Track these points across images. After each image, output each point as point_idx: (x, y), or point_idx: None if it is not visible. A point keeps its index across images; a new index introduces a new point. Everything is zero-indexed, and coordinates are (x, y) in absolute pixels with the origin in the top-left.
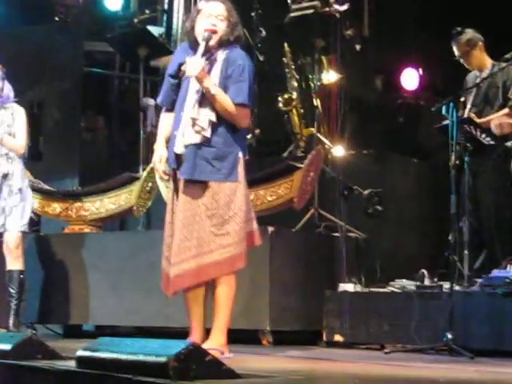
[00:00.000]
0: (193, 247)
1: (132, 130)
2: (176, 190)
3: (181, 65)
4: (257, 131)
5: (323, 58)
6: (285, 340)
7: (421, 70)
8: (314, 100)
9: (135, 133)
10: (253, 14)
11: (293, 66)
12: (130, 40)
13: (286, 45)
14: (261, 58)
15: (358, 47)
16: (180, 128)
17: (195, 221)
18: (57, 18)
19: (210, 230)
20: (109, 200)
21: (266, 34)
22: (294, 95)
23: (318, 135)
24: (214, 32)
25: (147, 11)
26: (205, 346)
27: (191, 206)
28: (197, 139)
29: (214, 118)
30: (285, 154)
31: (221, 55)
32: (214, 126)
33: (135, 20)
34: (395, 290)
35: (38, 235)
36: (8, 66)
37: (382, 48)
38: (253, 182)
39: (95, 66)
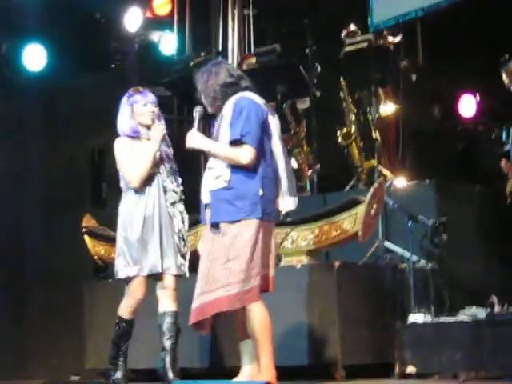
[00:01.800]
0: (204, 284)
1: (193, 172)
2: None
3: None
4: (317, 166)
5: (380, 90)
6: (357, 373)
7: (478, 96)
8: (373, 132)
9: (196, 173)
10: (307, 50)
11: (350, 100)
12: (187, 83)
13: (342, 79)
14: (317, 94)
15: (413, 77)
16: (204, 180)
17: (209, 259)
18: (113, 66)
19: (218, 269)
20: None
21: (322, 69)
22: (353, 129)
23: (379, 167)
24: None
25: (202, 54)
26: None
27: (208, 245)
28: (217, 185)
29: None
30: (347, 188)
31: (228, 105)
32: (233, 170)
33: (191, 63)
34: (465, 318)
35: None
36: (67, 115)
37: (437, 76)
38: (316, 218)
39: None
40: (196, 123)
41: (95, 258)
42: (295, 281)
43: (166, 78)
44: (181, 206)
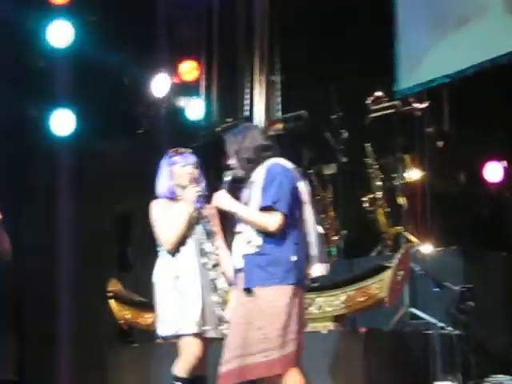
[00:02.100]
0: (239, 348)
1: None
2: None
3: None
4: (343, 232)
5: (406, 157)
6: None
7: (505, 162)
8: (399, 198)
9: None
10: (334, 116)
11: (376, 166)
12: (214, 149)
13: (368, 145)
14: (343, 160)
15: (439, 144)
16: (235, 245)
17: (242, 323)
18: (140, 131)
19: (253, 333)
20: None
21: (348, 135)
22: (379, 194)
23: (405, 233)
24: (234, 169)
25: (229, 119)
26: None
27: (240, 309)
28: (249, 250)
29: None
30: (373, 254)
31: (259, 171)
32: (264, 235)
33: (217, 129)
34: None
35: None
36: (95, 179)
37: (464, 142)
38: (343, 283)
39: None
40: (226, 185)
41: (121, 322)
42: (322, 346)
43: (193, 143)
44: (221, 270)
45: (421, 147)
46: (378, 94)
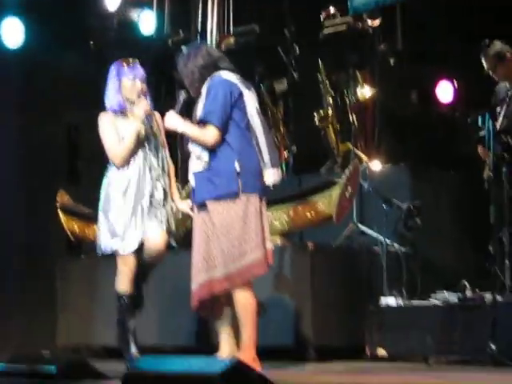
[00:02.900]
0: (200, 262)
1: (173, 149)
2: None
3: None
4: (293, 148)
5: (358, 74)
6: (328, 355)
7: (456, 83)
8: (350, 115)
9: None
10: (286, 31)
11: (327, 83)
12: (165, 62)
13: (320, 61)
14: (295, 76)
15: (391, 61)
16: (189, 165)
17: (202, 240)
18: (92, 43)
19: (212, 248)
20: None
21: (300, 51)
22: (330, 111)
23: (355, 150)
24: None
25: (181, 33)
26: None
27: (197, 225)
28: (199, 167)
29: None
30: (322, 170)
31: (205, 86)
32: (210, 150)
33: (169, 42)
34: (437, 302)
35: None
36: (44, 91)
37: (416, 61)
38: (291, 199)
39: None
40: (178, 106)
41: (68, 233)
42: None
43: (144, 56)
44: (163, 181)
45: (372, 64)
46: (332, 9)
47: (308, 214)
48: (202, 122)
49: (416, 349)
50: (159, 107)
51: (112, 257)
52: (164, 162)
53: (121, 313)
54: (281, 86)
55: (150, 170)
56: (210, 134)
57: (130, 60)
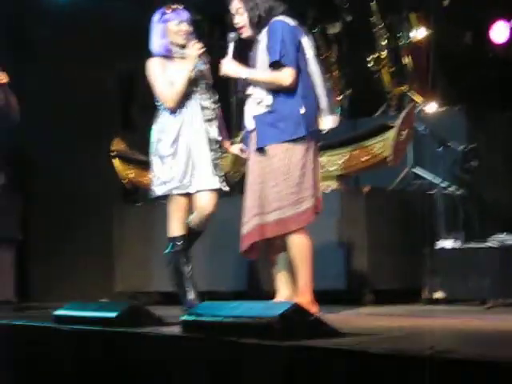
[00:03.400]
0: (256, 207)
1: (223, 97)
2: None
3: None
4: (348, 92)
5: (411, 15)
6: (385, 299)
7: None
8: (404, 58)
9: (226, 99)
10: None
11: (381, 25)
12: (218, 5)
13: (373, 3)
14: (348, 19)
15: (445, 2)
16: (247, 107)
17: (257, 182)
18: None
19: (268, 192)
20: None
21: None
22: (384, 54)
23: (410, 93)
24: (240, 29)
25: None
26: None
27: (254, 169)
28: (260, 110)
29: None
30: (377, 113)
31: (264, 32)
32: (273, 93)
33: None
34: (494, 244)
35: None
36: (95, 38)
37: (470, 2)
38: (346, 143)
39: None
40: (231, 50)
41: (125, 181)
42: (324, 205)
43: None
44: (216, 123)
45: (427, 5)
46: None
47: (364, 157)
48: (276, 65)
49: (473, 291)
50: (213, 52)
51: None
52: (216, 104)
53: (175, 258)
54: (334, 29)
55: (203, 110)
56: (288, 75)
57: (174, 5)
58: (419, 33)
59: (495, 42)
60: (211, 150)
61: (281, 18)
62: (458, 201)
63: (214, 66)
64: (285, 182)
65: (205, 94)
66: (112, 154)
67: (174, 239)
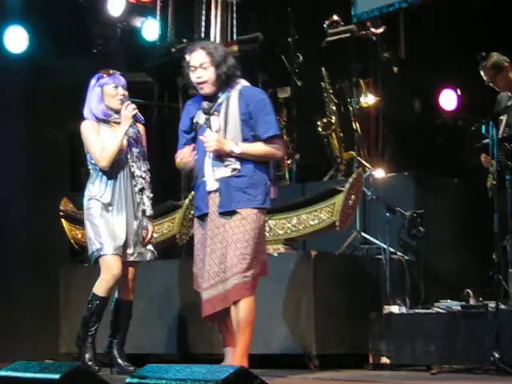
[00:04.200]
0: (221, 272)
1: (172, 159)
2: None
3: (192, 119)
4: (297, 156)
5: (361, 82)
6: (331, 364)
7: (459, 91)
8: (353, 123)
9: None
10: (289, 39)
11: (331, 90)
12: (168, 69)
13: (323, 69)
14: (298, 84)
15: (395, 69)
16: (208, 168)
17: (220, 247)
18: (94, 51)
19: (233, 255)
20: None
21: (303, 59)
22: (333, 119)
23: (358, 158)
24: (201, 84)
25: (184, 40)
26: None
27: (216, 232)
28: (227, 172)
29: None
30: (326, 178)
31: (233, 94)
32: (242, 159)
33: (173, 49)
34: (440, 310)
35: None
36: (46, 99)
37: (419, 69)
38: (295, 207)
39: (134, 97)
40: (213, 122)
41: (72, 241)
42: (272, 269)
43: (147, 63)
44: (148, 193)
45: (376, 72)
46: (335, 17)
47: (311, 222)
48: (271, 138)
49: (420, 357)
50: (163, 115)
51: None
52: (147, 174)
53: (89, 314)
54: (284, 93)
55: (134, 179)
56: (281, 147)
57: (111, 70)
58: (368, 99)
59: (444, 109)
60: (140, 221)
61: (244, 82)
62: (404, 266)
63: (160, 128)
64: (250, 247)
65: (135, 163)
66: (60, 213)
67: (96, 298)
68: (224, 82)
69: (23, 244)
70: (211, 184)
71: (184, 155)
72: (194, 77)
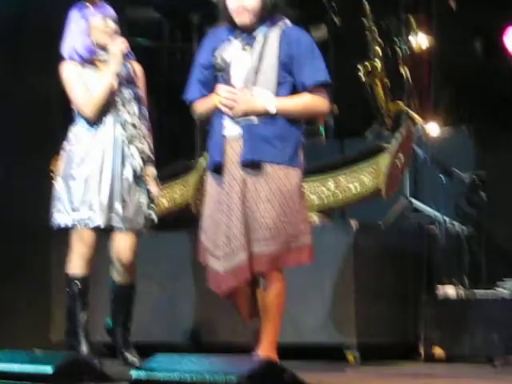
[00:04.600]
0: (242, 236)
1: (186, 111)
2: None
3: (215, 52)
4: (334, 107)
5: (411, 18)
6: (374, 355)
7: None
8: (402, 68)
9: (189, 113)
10: None
11: (375, 29)
12: (181, 5)
13: (365, 3)
14: (336, 20)
15: (452, 4)
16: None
17: (242, 205)
18: None
19: (258, 217)
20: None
21: None
22: (378, 63)
23: (408, 110)
24: (242, 11)
25: None
26: None
27: (238, 187)
28: (253, 119)
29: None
30: (368, 133)
31: (274, 31)
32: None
33: None
34: (504, 292)
35: None
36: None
37: (481, 3)
38: (331, 168)
39: (140, 36)
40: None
41: None
42: None
43: None
44: (140, 145)
45: (429, 7)
46: None
47: (351, 186)
48: (316, 87)
49: (479, 348)
50: (175, 59)
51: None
52: (141, 121)
53: (71, 301)
54: (319, 33)
55: (125, 126)
56: (326, 99)
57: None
58: (420, 39)
59: (509, 52)
60: (134, 182)
61: (287, 21)
62: (463, 240)
63: (172, 74)
64: (283, 208)
65: (126, 107)
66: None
67: (72, 279)
68: (268, 14)
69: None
70: (231, 128)
71: (229, 94)
72: (233, 1)
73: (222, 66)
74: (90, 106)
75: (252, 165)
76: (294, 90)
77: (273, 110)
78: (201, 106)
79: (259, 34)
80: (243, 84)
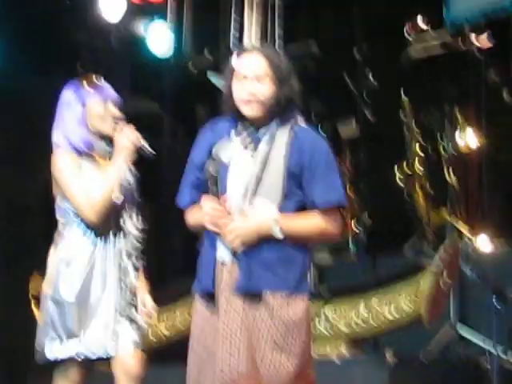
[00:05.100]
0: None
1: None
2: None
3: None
4: (365, 218)
5: (457, 111)
6: None
7: None
8: (446, 171)
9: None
10: (356, 55)
11: (414, 126)
12: (184, 94)
13: (403, 95)
14: (368, 116)
15: (505, 96)
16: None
17: (242, 336)
18: (79, 64)
19: (260, 357)
20: None
21: (375, 80)
22: (418, 165)
23: (453, 220)
24: (251, 101)
25: (206, 53)
26: None
27: (238, 316)
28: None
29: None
30: (406, 249)
31: (283, 132)
32: None
33: (189, 66)
34: None
35: None
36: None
37: None
38: (363, 289)
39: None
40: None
41: None
42: (332, 380)
43: (153, 85)
44: (136, 261)
45: (479, 100)
46: (420, 21)
47: (386, 310)
48: (329, 208)
49: None
50: (176, 153)
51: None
52: (142, 233)
53: None
54: (348, 130)
55: (126, 237)
56: (339, 222)
57: (93, 77)
58: (468, 137)
59: None
60: (127, 297)
61: (301, 119)
62: None
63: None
64: (292, 348)
65: (130, 214)
66: (30, 298)
67: None
68: (280, 109)
69: None
70: (225, 250)
71: (214, 212)
72: (241, 89)
73: (211, 175)
74: (94, 208)
75: (249, 294)
76: (302, 205)
77: (279, 236)
78: (191, 216)
79: (266, 132)
80: (243, 191)
